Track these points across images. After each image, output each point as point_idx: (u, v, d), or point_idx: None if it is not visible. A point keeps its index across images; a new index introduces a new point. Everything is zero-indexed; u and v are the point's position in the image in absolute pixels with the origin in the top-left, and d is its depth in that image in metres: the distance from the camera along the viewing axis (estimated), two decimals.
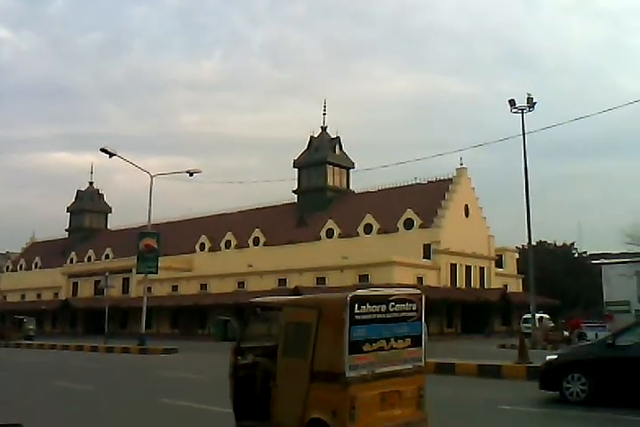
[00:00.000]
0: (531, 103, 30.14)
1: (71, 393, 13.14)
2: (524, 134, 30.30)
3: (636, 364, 10.02)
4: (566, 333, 23.16)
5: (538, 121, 35.98)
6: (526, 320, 37.94)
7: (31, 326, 46.92)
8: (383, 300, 6.33)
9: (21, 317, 48.34)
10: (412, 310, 6.61)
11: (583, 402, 10.20)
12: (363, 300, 6.11)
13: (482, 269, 53.50)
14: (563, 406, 10.29)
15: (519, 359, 15.06)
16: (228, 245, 60.46)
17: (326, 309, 6.29)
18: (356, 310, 6.00)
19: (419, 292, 6.95)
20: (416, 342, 6.60)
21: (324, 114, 62.86)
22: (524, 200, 30.27)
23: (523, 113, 30.18)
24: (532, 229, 30.54)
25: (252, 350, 7.65)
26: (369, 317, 6.11)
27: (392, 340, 6.31)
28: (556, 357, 11.55)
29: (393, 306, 6.38)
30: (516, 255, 60.04)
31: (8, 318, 54.41)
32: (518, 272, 58.52)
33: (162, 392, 12.89)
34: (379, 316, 6.21)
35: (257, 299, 8.37)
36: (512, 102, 30.20)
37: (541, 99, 32.26)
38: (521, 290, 55.53)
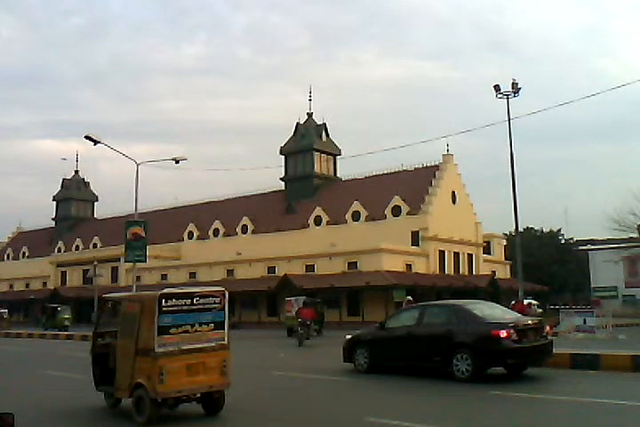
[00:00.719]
0: (515, 88, 30.13)
1: (63, 381, 13.14)
2: (509, 120, 30.32)
3: (395, 341, 13.29)
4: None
5: (523, 106, 36.07)
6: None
7: (66, 315, 43.49)
8: (188, 296, 8.62)
9: (55, 305, 45.25)
10: (215, 303, 8.82)
11: (367, 371, 13.41)
12: (170, 296, 8.44)
13: (470, 255, 53.80)
14: (353, 375, 13.30)
15: None
16: (216, 233, 60.37)
17: (146, 302, 8.61)
18: (164, 304, 8.29)
19: (222, 289, 9.16)
20: (219, 326, 8.80)
21: (310, 100, 62.58)
22: (511, 186, 30.38)
23: (508, 98, 30.17)
24: (518, 215, 30.70)
25: (107, 334, 9.93)
26: (175, 308, 8.38)
27: (197, 325, 8.55)
28: (350, 336, 14.42)
29: (197, 300, 8.66)
30: (504, 242, 60.39)
31: (37, 305, 52.58)
32: (506, 259, 58.95)
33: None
34: (184, 307, 8.48)
35: (106, 295, 10.61)
36: (497, 88, 30.16)
37: (526, 84, 32.31)
38: (509, 276, 56.02)
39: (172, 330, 8.30)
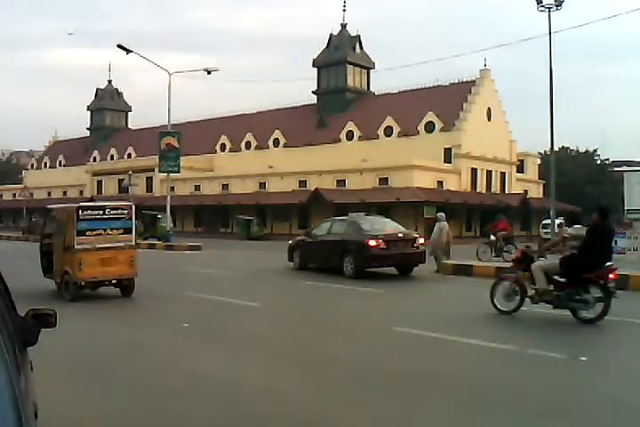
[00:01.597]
0: (558, 1, 28.76)
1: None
2: (550, 34, 29.05)
3: (313, 246, 16.96)
4: (493, 237, 21.91)
5: (566, 21, 34.45)
6: (545, 226, 38.25)
7: (168, 223, 38.18)
8: (101, 208, 11.61)
9: (154, 212, 40.90)
10: (123, 214, 11.60)
11: (298, 268, 17.31)
12: (86, 208, 11.44)
13: (503, 173, 53.37)
14: (291, 270, 17.37)
15: None
16: (248, 146, 60.49)
17: (70, 212, 11.41)
18: (81, 214, 11.21)
19: (129, 203, 12.25)
20: (128, 231, 11.64)
21: (344, 10, 60.51)
22: (548, 104, 29.61)
23: (549, 11, 28.85)
24: (554, 134, 30.10)
25: (49, 235, 12.65)
26: (90, 217, 11.30)
27: (108, 230, 11.41)
28: (291, 241, 18.10)
29: (109, 211, 11.50)
30: (538, 161, 59.57)
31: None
32: (539, 178, 58.34)
33: (186, 286, 13.55)
34: (97, 217, 11.37)
35: (49, 206, 13.48)
36: (538, 0, 28.83)
37: None
38: (541, 196, 55.61)
39: (87, 233, 11.22)
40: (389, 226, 16.89)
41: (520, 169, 56.43)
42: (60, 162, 77.63)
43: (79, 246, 11.12)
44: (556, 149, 35.23)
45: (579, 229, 11.60)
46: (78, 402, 5.13)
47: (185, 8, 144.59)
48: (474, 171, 49.95)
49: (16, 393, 1.66)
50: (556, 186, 31.13)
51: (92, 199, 58.26)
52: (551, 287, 9.15)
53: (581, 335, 8.31)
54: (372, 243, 14.62)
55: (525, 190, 53.73)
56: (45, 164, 79.99)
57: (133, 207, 11.76)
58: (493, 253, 20.99)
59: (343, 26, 60.41)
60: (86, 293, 11.66)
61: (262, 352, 7.11)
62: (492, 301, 9.78)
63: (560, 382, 5.86)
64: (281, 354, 7.07)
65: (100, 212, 11.41)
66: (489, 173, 51.55)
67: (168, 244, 30.78)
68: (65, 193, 69.62)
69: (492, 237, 21.82)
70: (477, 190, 49.68)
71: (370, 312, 10.46)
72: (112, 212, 11.51)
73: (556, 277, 9.21)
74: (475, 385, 5.72)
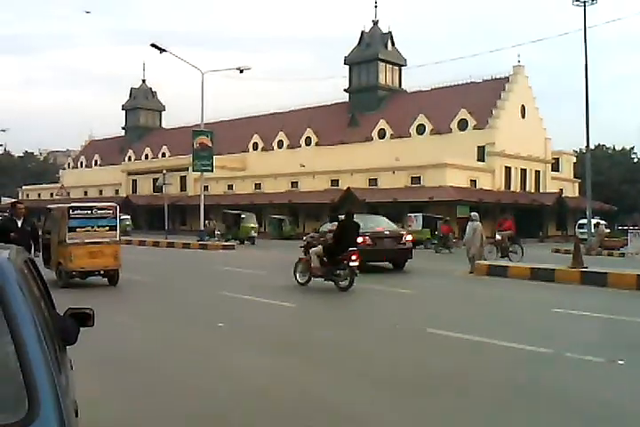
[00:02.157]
0: None
1: (137, 284, 14.05)
2: (585, 29, 28.64)
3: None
4: (498, 236, 21.57)
5: (601, 15, 33.81)
6: (582, 226, 37.70)
7: (252, 224, 37.31)
8: (89, 208, 13.43)
9: (237, 211, 38.61)
10: (108, 213, 13.49)
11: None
12: (76, 208, 13.35)
13: (537, 172, 52.64)
14: None
15: (573, 264, 15.14)
16: (280, 144, 60.70)
17: (63, 211, 13.27)
18: (72, 213, 13.11)
19: (113, 204, 14.22)
20: (113, 229, 13.48)
21: (376, 6, 60.23)
22: (584, 101, 29.15)
23: (585, 6, 28.44)
24: (590, 131, 29.63)
25: (48, 232, 14.24)
26: (79, 216, 13.15)
27: (96, 227, 13.22)
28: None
29: (96, 211, 13.36)
30: (573, 159, 58.64)
31: (211, 212, 41.46)
32: (575, 177, 57.43)
33: (222, 285, 13.64)
34: (86, 216, 13.22)
35: (49, 206, 15.68)
36: None
37: None
38: (577, 195, 54.72)
39: (77, 229, 13.01)
40: (382, 224, 18.56)
41: (555, 167, 55.59)
42: (96, 161, 78.87)
43: (70, 241, 12.91)
44: (591, 146, 34.72)
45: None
46: (117, 401, 5.19)
47: (218, 7, 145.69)
48: (508, 169, 49.36)
49: (58, 392, 1.69)
50: (592, 185, 30.64)
51: (127, 199, 59.23)
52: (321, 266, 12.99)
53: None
54: (359, 239, 15.38)
55: (560, 189, 52.92)
56: (82, 163, 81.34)
57: (118, 208, 13.86)
58: (499, 253, 20.62)
59: (375, 22, 60.18)
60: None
61: (295, 353, 7.10)
62: (295, 275, 13.62)
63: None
64: (314, 354, 7.06)
65: (89, 211, 13.37)
66: (523, 171, 50.89)
67: (202, 242, 31.01)
68: (101, 192, 70.70)
69: (498, 237, 21.43)
70: (511, 189, 49.09)
71: (402, 313, 10.40)
72: (99, 211, 13.46)
73: (324, 259, 13.00)
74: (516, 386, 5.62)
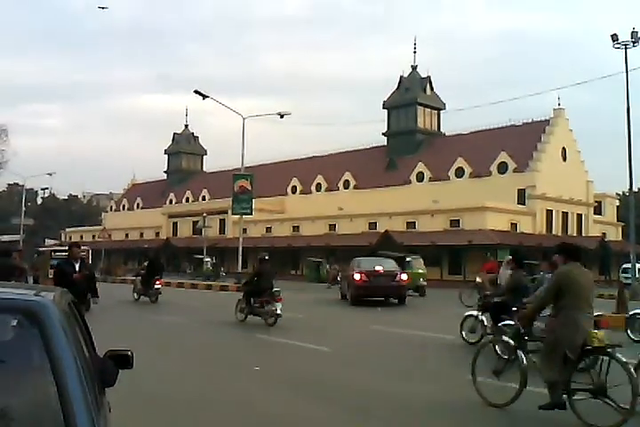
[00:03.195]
0: (635, 38, 28.28)
1: (173, 325, 14.11)
2: (627, 71, 28.53)
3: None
4: (479, 279, 20.23)
5: None
6: (626, 270, 36.69)
7: (334, 268, 36.78)
8: (65, 250, 14.49)
9: (319, 259, 44.57)
10: (83, 254, 14.04)
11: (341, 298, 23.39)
12: (56, 251, 26.64)
13: (579, 215, 51.79)
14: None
15: (617, 310, 14.74)
16: (318, 187, 61.15)
17: (48, 253, 26.01)
18: (54, 254, 25.91)
19: (86, 247, 24.60)
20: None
21: (415, 52, 61.16)
22: (626, 143, 28.83)
23: (626, 48, 28.40)
24: (633, 173, 29.17)
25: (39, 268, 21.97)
26: (59, 256, 20.65)
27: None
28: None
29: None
30: (617, 202, 57.60)
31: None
32: (618, 220, 56.27)
33: (257, 329, 13.60)
34: (64, 255, 15.58)
35: (39, 248, 29.00)
36: (614, 37, 28.42)
37: None
38: (620, 238, 53.48)
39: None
40: (385, 265, 21.34)
41: (597, 211, 54.65)
42: (138, 204, 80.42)
43: (51, 276, 14.57)
44: (635, 189, 34.10)
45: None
46: None
47: (257, 53, 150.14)
48: (549, 212, 48.70)
49: None
50: (635, 228, 29.98)
51: (167, 241, 60.05)
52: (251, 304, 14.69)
53: None
54: (357, 277, 18.81)
55: (603, 233, 51.85)
56: (124, 206, 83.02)
57: (90, 250, 19.38)
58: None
59: (413, 68, 60.99)
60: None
61: (326, 397, 7.00)
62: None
63: None
64: (347, 400, 6.94)
65: (65, 253, 16.25)
66: (565, 214, 50.13)
67: (223, 284, 31.28)
68: (142, 234, 71.82)
69: (478, 279, 20.12)
70: (553, 232, 48.29)
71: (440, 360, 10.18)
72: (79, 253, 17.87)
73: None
74: None
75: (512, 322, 7.96)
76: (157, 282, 20.31)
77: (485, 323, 10.73)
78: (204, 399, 6.92)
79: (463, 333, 11.32)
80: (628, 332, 12.23)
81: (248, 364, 9.27)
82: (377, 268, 20.61)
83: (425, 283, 29.07)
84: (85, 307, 9.68)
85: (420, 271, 29.31)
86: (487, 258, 22.57)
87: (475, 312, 11.16)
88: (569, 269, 6.05)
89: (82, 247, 12.17)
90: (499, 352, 7.15)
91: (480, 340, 10.39)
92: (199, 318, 16.54)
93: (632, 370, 5.57)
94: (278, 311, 13.80)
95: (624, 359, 5.62)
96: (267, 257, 15.82)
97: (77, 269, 10.14)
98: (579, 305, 5.87)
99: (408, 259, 30.23)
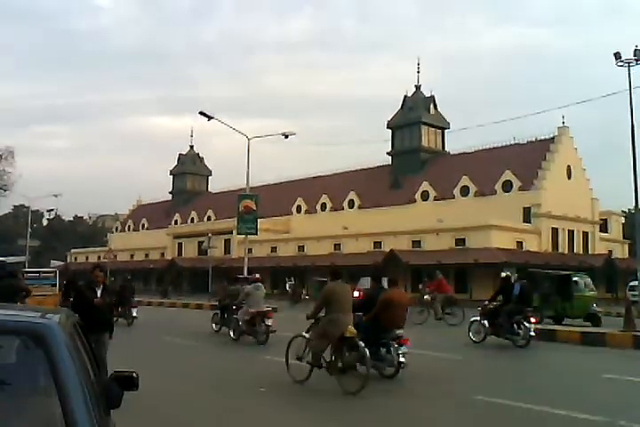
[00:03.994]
0: (638, 56, 28.35)
1: (180, 347, 14.05)
2: (630, 89, 28.58)
3: None
4: (426, 297, 20.81)
5: None
6: (633, 288, 36.48)
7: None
8: (37, 272, 24.26)
9: (324, 279, 36.21)
10: (50, 276, 23.81)
11: None
12: (28, 272, 22.95)
13: (585, 233, 51.61)
14: None
15: (625, 327, 14.64)
16: (323, 207, 61.19)
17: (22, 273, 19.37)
18: (26, 275, 19.98)
19: (54, 269, 26.62)
20: (53, 285, 22.85)
21: (418, 72, 61.69)
22: (631, 161, 28.81)
23: (629, 66, 28.50)
24: (638, 191, 29.11)
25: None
26: (31, 277, 21.71)
27: (42, 285, 22.00)
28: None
29: (42, 274, 23.93)
30: (622, 219, 57.45)
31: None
32: (624, 237, 56.07)
33: (263, 350, 13.51)
34: (35, 277, 22.59)
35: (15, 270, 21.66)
36: (617, 55, 28.51)
37: None
38: (627, 256, 53.22)
39: (30, 286, 15.56)
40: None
41: (603, 228, 54.47)
42: (143, 225, 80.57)
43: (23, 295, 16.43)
44: None
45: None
46: None
47: (262, 75, 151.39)
48: (555, 231, 48.55)
49: None
50: None
51: (172, 261, 60.01)
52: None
53: None
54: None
55: (610, 251, 51.59)
56: (129, 227, 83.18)
57: (57, 272, 23.02)
58: (433, 316, 20.23)
59: (417, 87, 61.35)
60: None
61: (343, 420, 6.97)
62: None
63: None
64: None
65: (37, 274, 22.13)
66: (571, 232, 49.97)
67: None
68: (147, 255, 71.83)
69: (426, 297, 20.70)
70: (559, 251, 48.10)
71: (453, 379, 10.12)
72: (43, 274, 23.11)
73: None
74: None
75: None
76: (133, 307, 20.32)
77: (486, 325, 14.41)
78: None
79: (470, 334, 14.81)
80: None
81: (254, 385, 9.22)
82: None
83: (599, 309, 22.33)
84: (109, 334, 8.59)
85: (591, 294, 23.06)
86: (433, 277, 22.65)
87: (478, 318, 14.68)
88: (333, 285, 9.19)
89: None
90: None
91: (484, 339, 14.39)
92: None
93: (365, 350, 8.44)
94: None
95: (362, 344, 8.48)
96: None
97: (100, 294, 8.80)
98: (339, 309, 8.87)
99: (575, 278, 23.58)
